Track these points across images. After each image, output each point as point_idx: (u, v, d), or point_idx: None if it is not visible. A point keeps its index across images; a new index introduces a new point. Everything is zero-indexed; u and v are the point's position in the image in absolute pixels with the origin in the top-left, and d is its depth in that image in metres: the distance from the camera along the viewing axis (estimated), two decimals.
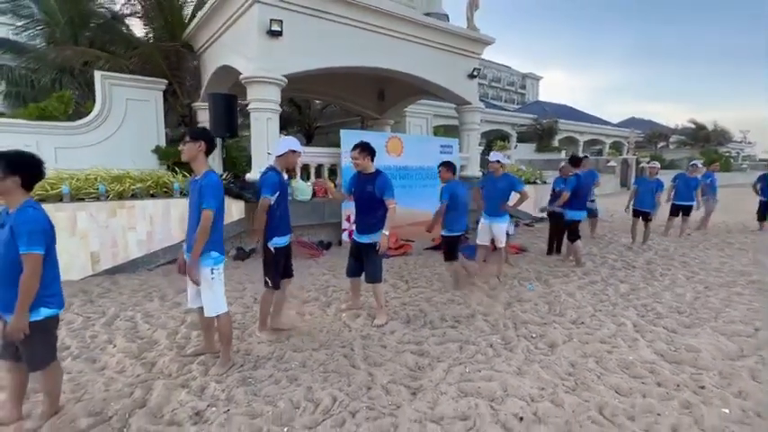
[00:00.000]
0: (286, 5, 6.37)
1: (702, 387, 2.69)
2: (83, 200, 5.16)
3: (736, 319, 3.89)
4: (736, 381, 2.76)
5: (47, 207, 4.83)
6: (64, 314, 3.99)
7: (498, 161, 5.17)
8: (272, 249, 3.29)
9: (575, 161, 6.32)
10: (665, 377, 2.81)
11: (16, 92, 9.96)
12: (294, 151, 3.34)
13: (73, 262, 5.01)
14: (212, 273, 2.78)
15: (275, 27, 6.18)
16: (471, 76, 9.09)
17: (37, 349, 2.18)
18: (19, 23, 9.88)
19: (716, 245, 7.64)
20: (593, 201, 8.30)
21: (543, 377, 2.82)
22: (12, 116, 8.18)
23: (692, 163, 8.96)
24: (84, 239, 5.08)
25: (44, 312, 2.16)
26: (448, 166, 4.75)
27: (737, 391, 2.65)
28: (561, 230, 6.42)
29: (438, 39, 8.29)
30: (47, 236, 2.11)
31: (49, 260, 2.18)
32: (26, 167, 2.10)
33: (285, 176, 6.78)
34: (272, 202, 3.20)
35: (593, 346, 3.30)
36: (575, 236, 5.96)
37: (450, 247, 4.80)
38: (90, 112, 7.80)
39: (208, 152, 2.75)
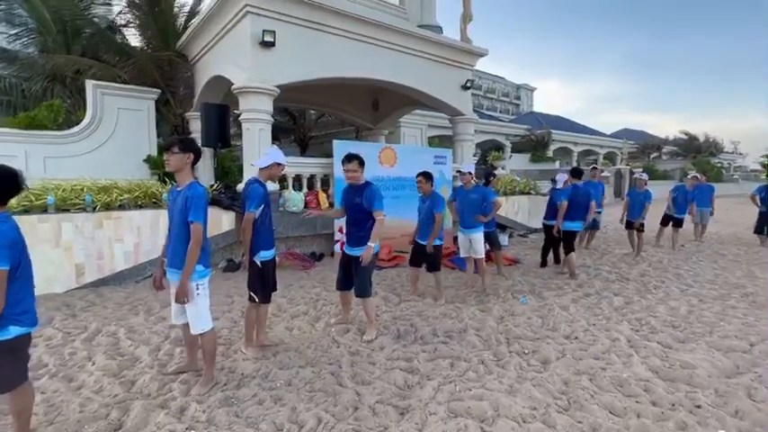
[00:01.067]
0: (279, 16, 6.37)
1: (698, 406, 2.62)
2: (68, 211, 5.06)
3: (730, 333, 3.83)
4: (733, 399, 2.69)
5: (30, 218, 4.80)
6: (44, 329, 3.90)
7: (470, 172, 5.21)
8: (258, 263, 3.21)
9: (575, 173, 6.29)
10: (659, 396, 2.74)
11: (7, 101, 9.87)
12: (278, 164, 3.28)
13: (57, 274, 4.90)
14: (197, 288, 2.69)
15: (268, 38, 6.16)
16: (465, 88, 9.13)
17: (5, 370, 2.07)
18: (12, 32, 9.84)
19: (709, 256, 7.63)
20: (599, 212, 8.28)
21: (535, 396, 2.74)
22: (1, 125, 8.10)
23: (692, 175, 9.00)
24: (69, 251, 4.97)
25: (14, 331, 2.06)
26: (429, 177, 4.74)
27: (734, 410, 2.58)
28: (557, 241, 6.37)
29: (431, 50, 8.33)
30: (14, 251, 2.02)
31: (21, 276, 2.09)
32: None
33: (277, 186, 6.72)
34: (257, 216, 3.13)
35: (586, 363, 3.23)
36: (569, 247, 5.92)
37: (440, 257, 4.88)
38: (82, 121, 7.74)
39: (194, 163, 2.68)
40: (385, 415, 2.52)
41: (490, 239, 5.77)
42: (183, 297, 2.59)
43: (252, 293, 3.27)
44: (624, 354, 3.40)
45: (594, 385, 2.90)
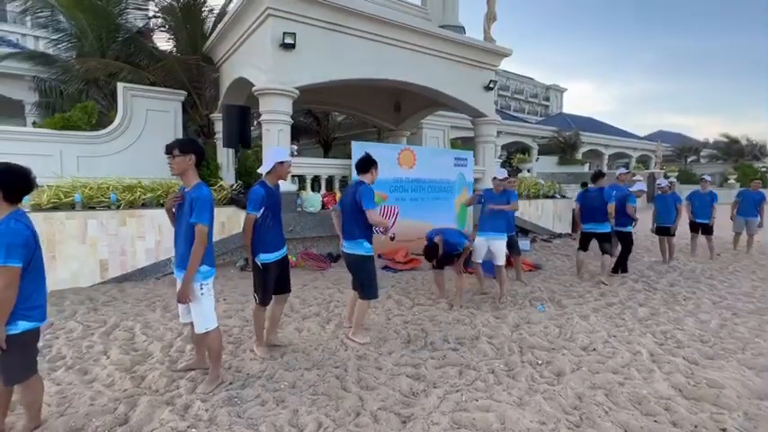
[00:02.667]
0: (300, 19, 6.43)
1: (724, 430, 2.43)
2: (94, 208, 5.26)
3: (766, 351, 3.56)
4: (763, 424, 2.49)
5: (59, 215, 5.01)
6: (66, 322, 4.06)
7: (506, 178, 5.11)
8: (258, 265, 3.23)
9: (596, 176, 6.10)
10: (681, 416, 2.55)
11: (47, 102, 10.43)
12: (282, 162, 3.25)
13: (82, 269, 5.10)
14: (201, 288, 2.71)
15: (288, 40, 6.23)
16: (488, 88, 8.95)
17: (14, 363, 2.14)
18: (53, 37, 10.38)
19: (747, 266, 7.17)
20: None
21: (545, 410, 2.61)
22: (40, 126, 8.54)
23: (702, 178, 8.51)
24: (94, 247, 5.17)
25: (23, 326, 2.12)
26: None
27: None
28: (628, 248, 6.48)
29: (453, 51, 8.21)
30: (28, 249, 2.08)
31: (32, 273, 2.15)
32: (6, 181, 2.08)
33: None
34: (258, 218, 3.15)
35: (603, 377, 3.06)
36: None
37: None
38: (113, 122, 8.05)
39: (198, 163, 2.71)
40: (386, 422, 2.47)
41: (510, 244, 5.63)
42: (184, 298, 2.62)
43: (254, 294, 3.30)
44: (645, 369, 3.21)
45: (610, 401, 2.74)
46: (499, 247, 5.01)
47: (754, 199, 8.46)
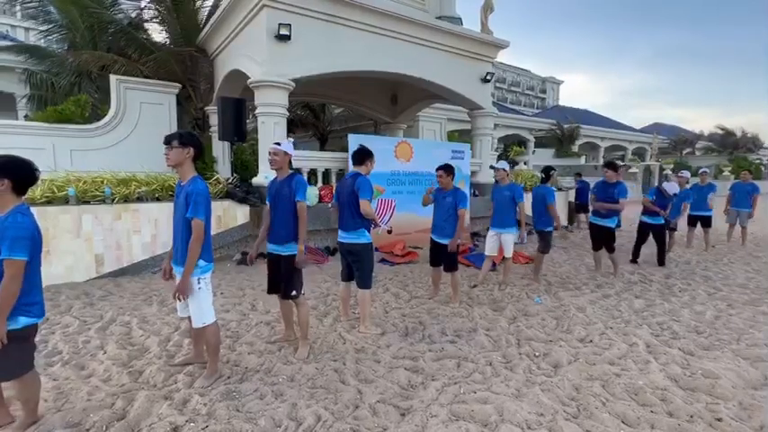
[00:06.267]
0: (295, 9, 6.34)
1: (719, 419, 2.46)
2: (88, 203, 5.21)
3: (760, 341, 3.60)
4: (758, 413, 2.52)
5: (53, 209, 4.95)
6: (62, 317, 4.03)
7: (504, 169, 5.10)
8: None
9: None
10: (677, 406, 2.58)
11: (39, 95, 10.27)
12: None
13: (77, 264, 5.06)
14: (199, 282, 2.70)
15: (284, 31, 6.15)
16: (484, 81, 8.90)
17: (12, 358, 2.12)
18: (42, 28, 10.20)
19: (742, 258, 7.23)
20: None
21: (543, 401, 2.63)
22: (32, 119, 8.42)
23: (701, 171, 8.53)
24: (89, 242, 5.12)
25: (23, 321, 2.11)
26: (450, 170, 4.52)
27: (759, 425, 2.41)
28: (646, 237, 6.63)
29: (450, 42, 8.15)
30: (33, 243, 2.07)
31: (33, 268, 2.13)
32: (14, 172, 2.07)
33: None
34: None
35: (600, 368, 3.09)
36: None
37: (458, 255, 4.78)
38: (106, 115, 7.95)
39: (196, 158, 2.67)
40: (385, 415, 2.47)
41: (542, 239, 5.48)
42: (181, 294, 2.60)
43: None
44: (642, 360, 3.23)
45: (607, 392, 2.77)
46: (508, 240, 5.13)
47: (746, 190, 8.44)
